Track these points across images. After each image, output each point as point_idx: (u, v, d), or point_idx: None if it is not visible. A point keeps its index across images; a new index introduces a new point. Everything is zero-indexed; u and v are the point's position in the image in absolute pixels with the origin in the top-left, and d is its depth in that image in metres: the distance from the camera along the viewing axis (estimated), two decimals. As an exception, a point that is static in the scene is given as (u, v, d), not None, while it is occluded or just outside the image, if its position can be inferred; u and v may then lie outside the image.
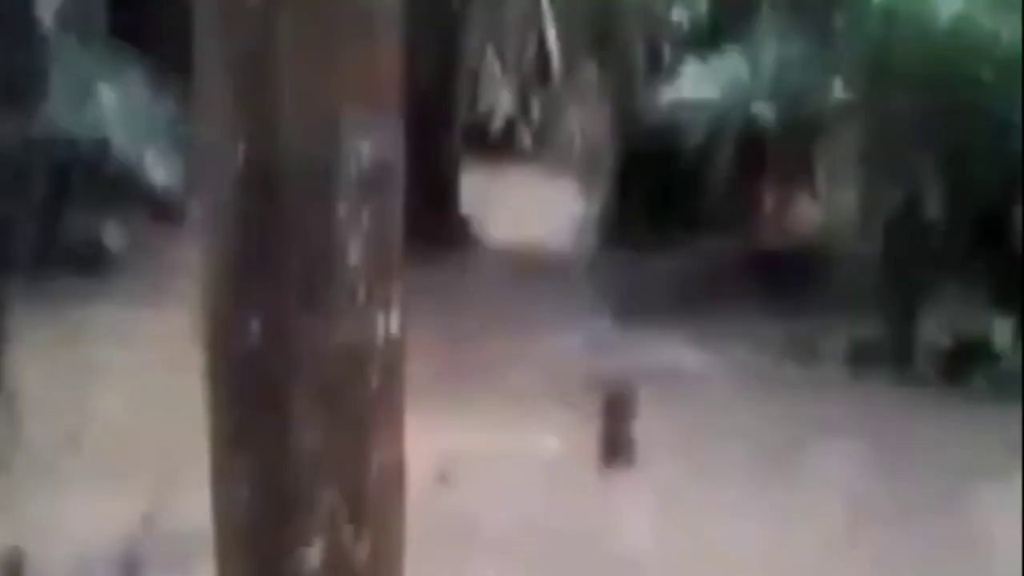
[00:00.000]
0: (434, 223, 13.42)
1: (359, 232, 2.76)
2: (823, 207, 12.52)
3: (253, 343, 2.74)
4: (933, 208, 9.78)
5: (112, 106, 11.56)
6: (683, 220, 12.97)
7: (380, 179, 2.81)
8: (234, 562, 2.82)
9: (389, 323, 2.81)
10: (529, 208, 14.66)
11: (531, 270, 13.11)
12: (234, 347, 2.79)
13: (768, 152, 12.54)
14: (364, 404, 2.78)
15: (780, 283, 11.50)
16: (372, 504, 2.80)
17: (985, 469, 8.03)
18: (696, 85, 10.69)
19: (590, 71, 14.24)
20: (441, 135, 14.04)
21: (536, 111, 16.22)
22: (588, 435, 8.18)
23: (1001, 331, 9.34)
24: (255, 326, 2.73)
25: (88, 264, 11.33)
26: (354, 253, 2.75)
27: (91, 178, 11.38)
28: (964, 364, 9.36)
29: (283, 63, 2.71)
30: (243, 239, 2.77)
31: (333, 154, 2.74)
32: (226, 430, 2.82)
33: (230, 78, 2.76)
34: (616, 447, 8.17)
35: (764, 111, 10.44)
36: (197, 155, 2.83)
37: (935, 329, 9.50)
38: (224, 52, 2.78)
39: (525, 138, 16.58)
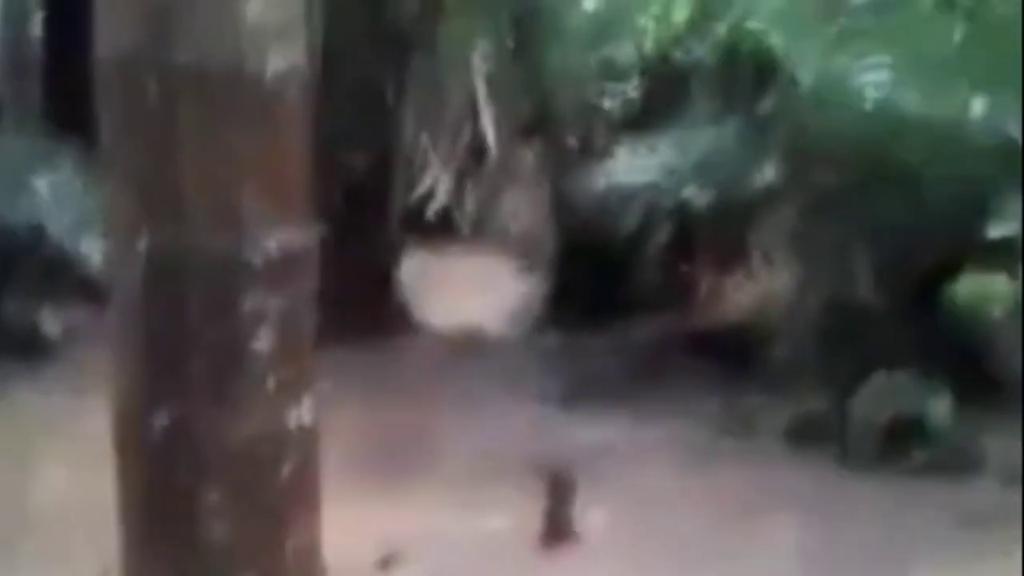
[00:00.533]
0: (371, 310, 13.43)
1: (268, 323, 2.74)
2: (758, 287, 12.61)
3: (160, 438, 2.72)
4: (866, 286, 9.89)
5: (46, 192, 11.54)
6: (621, 302, 13.02)
7: (289, 268, 2.79)
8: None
9: (301, 412, 2.80)
10: (467, 292, 14.66)
11: (470, 353, 13.07)
12: (141, 442, 2.76)
13: (702, 235, 12.66)
14: (277, 493, 2.76)
15: (718, 362, 11.58)
16: None
17: (929, 540, 8.14)
18: (629, 170, 10.80)
19: (525, 156, 14.34)
20: (377, 223, 14.06)
21: (472, 196, 16.29)
22: (530, 517, 8.16)
23: (936, 404, 9.41)
24: (162, 420, 2.72)
25: (25, 350, 11.25)
26: (263, 344, 2.74)
27: (26, 265, 11.33)
28: (900, 441, 9.40)
29: (184, 155, 2.71)
30: (148, 331, 2.75)
31: (237, 245, 2.72)
32: (136, 525, 2.78)
33: (134, 170, 2.76)
34: (559, 528, 8.16)
35: (696, 195, 10.55)
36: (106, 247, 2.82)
37: (871, 407, 9.55)
38: (127, 144, 2.77)
39: (462, 223, 16.62)
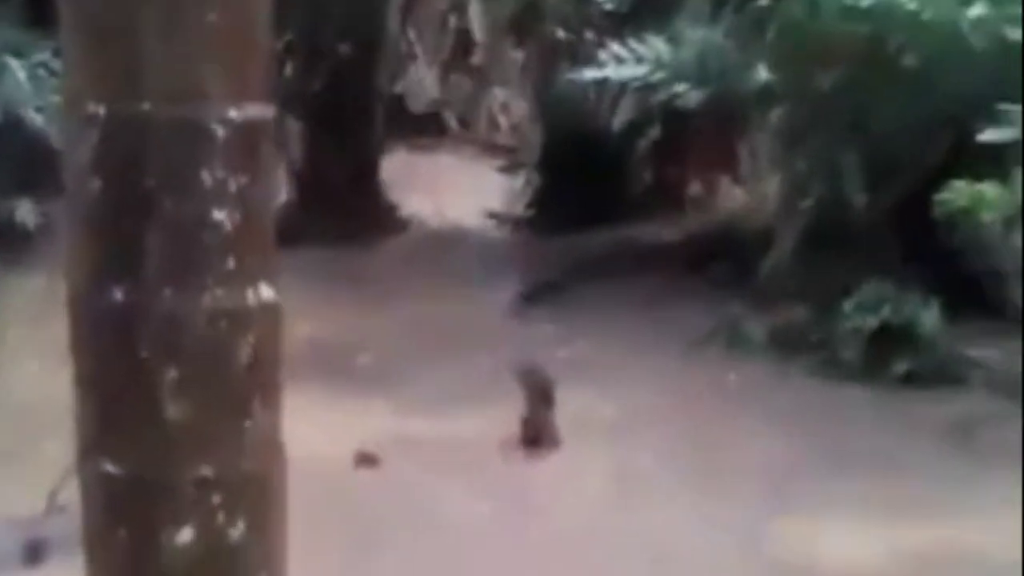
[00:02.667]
0: (358, 207, 13.34)
1: (228, 198, 2.65)
2: (748, 192, 12.49)
3: (116, 315, 2.63)
4: (857, 192, 9.74)
5: (23, 80, 11.36)
6: (608, 202, 12.90)
7: (250, 143, 2.69)
8: (103, 542, 2.70)
9: (261, 294, 2.69)
10: (451, 190, 14.58)
11: (454, 251, 13.00)
12: (96, 320, 2.67)
13: (693, 136, 12.51)
14: (236, 374, 2.67)
15: (704, 267, 11.50)
16: (247, 481, 2.69)
17: (913, 450, 8.07)
18: (618, 67, 10.59)
19: (513, 52, 14.17)
20: (363, 120, 13.92)
21: (458, 92, 16.12)
22: (511, 420, 8.06)
23: (926, 315, 9.32)
24: (118, 297, 2.62)
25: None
26: (223, 219, 2.64)
27: (3, 155, 11.17)
28: (888, 350, 9.30)
29: (144, 21, 2.60)
30: (104, 204, 2.65)
31: (197, 115, 2.63)
32: (93, 405, 2.70)
33: (91, 41, 2.65)
34: (539, 432, 8.07)
35: (688, 93, 10.36)
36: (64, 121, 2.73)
37: (858, 315, 9.45)
38: (84, 14, 2.67)
39: (450, 121, 16.46)
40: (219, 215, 2.61)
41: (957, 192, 8.45)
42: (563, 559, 6.64)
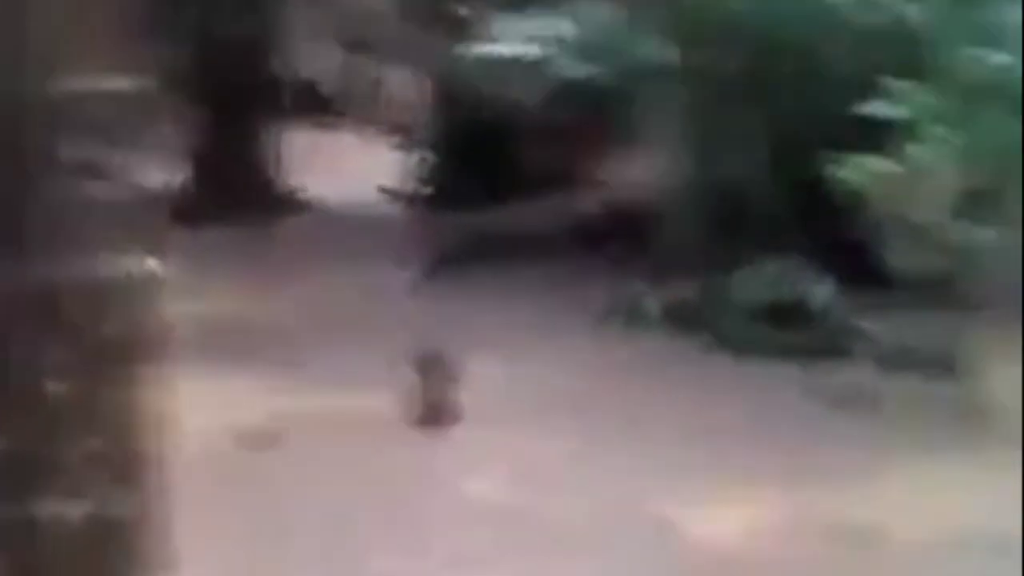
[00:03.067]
0: (254, 188, 13.25)
1: (104, 173, 2.62)
2: (648, 169, 12.52)
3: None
4: (753, 169, 9.82)
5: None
6: (503, 180, 12.89)
7: (125, 118, 2.66)
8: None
9: (142, 267, 2.66)
10: (352, 170, 14.52)
11: (351, 229, 12.94)
12: None
13: (591, 114, 12.51)
14: (118, 351, 2.64)
15: (602, 244, 11.54)
16: (130, 456, 2.66)
17: (803, 420, 8.23)
18: (512, 43, 10.58)
19: (408, 31, 14.08)
20: (260, 101, 13.83)
21: (355, 71, 16.00)
22: (411, 398, 8.10)
23: (817, 290, 9.44)
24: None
25: None
26: (101, 191, 2.61)
27: None
28: (781, 324, 9.40)
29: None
30: None
31: (69, 91, 2.60)
32: None
33: None
34: (439, 409, 8.07)
35: (585, 71, 10.37)
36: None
37: (753, 290, 9.55)
38: None
39: (347, 101, 16.34)
40: (96, 188, 2.58)
41: (850, 167, 8.57)
42: (456, 532, 6.71)
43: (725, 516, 6.92)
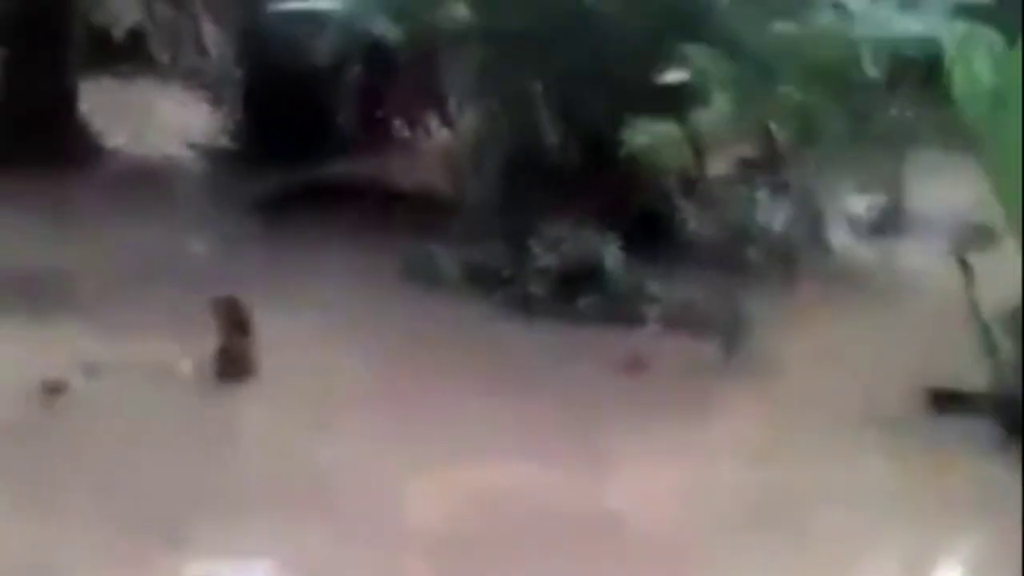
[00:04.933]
0: (50, 135, 13.02)
1: None
2: (449, 132, 12.65)
3: None
4: (547, 133, 9.97)
5: None
6: (312, 137, 12.88)
7: None
8: None
9: None
10: (156, 121, 14.37)
11: (156, 183, 12.84)
12: None
13: (396, 72, 12.59)
14: None
15: (404, 205, 11.63)
16: None
17: (596, 384, 8.39)
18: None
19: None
20: (57, 46, 13.58)
21: (163, 22, 15.78)
22: (204, 348, 8.09)
23: (609, 253, 9.64)
24: None
25: None
26: None
27: None
28: (574, 287, 9.59)
29: None
30: None
31: None
32: None
33: None
34: (235, 360, 8.11)
35: (387, 28, 10.43)
36: None
37: (546, 254, 9.74)
38: None
39: (152, 50, 16.11)
40: None
41: (639, 130, 8.76)
42: (249, 486, 6.74)
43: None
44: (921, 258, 10.73)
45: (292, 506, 6.46)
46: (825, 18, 9.90)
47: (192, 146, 13.73)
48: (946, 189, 11.10)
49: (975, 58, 7.79)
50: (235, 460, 7.17)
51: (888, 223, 11.12)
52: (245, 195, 12.11)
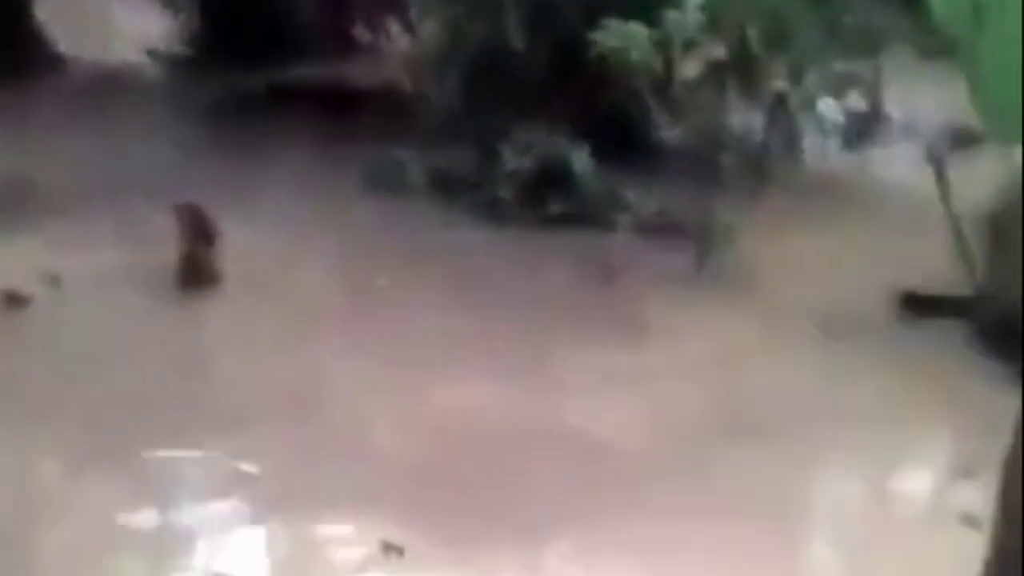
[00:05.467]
0: (6, 46, 12.77)
1: None
2: (414, 36, 12.44)
3: None
4: (514, 35, 9.79)
5: None
6: (271, 42, 12.66)
7: None
8: None
9: None
10: (113, 29, 14.11)
11: (114, 91, 12.61)
12: None
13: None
14: None
15: (367, 113, 11.44)
16: None
17: (571, 290, 8.32)
18: None
19: None
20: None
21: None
22: (169, 256, 7.97)
23: (578, 158, 9.51)
24: None
25: None
26: None
27: None
28: (544, 191, 9.46)
29: None
30: None
31: None
32: None
33: None
34: (195, 271, 7.98)
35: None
36: None
37: (514, 159, 9.59)
38: None
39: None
40: None
41: (608, 32, 8.61)
42: (214, 398, 6.66)
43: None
44: (898, 164, 10.63)
45: (254, 420, 6.38)
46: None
47: (150, 53, 13.49)
48: (925, 94, 10.97)
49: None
50: (198, 371, 7.06)
51: (865, 129, 11.00)
52: (204, 101, 11.93)
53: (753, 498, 5.94)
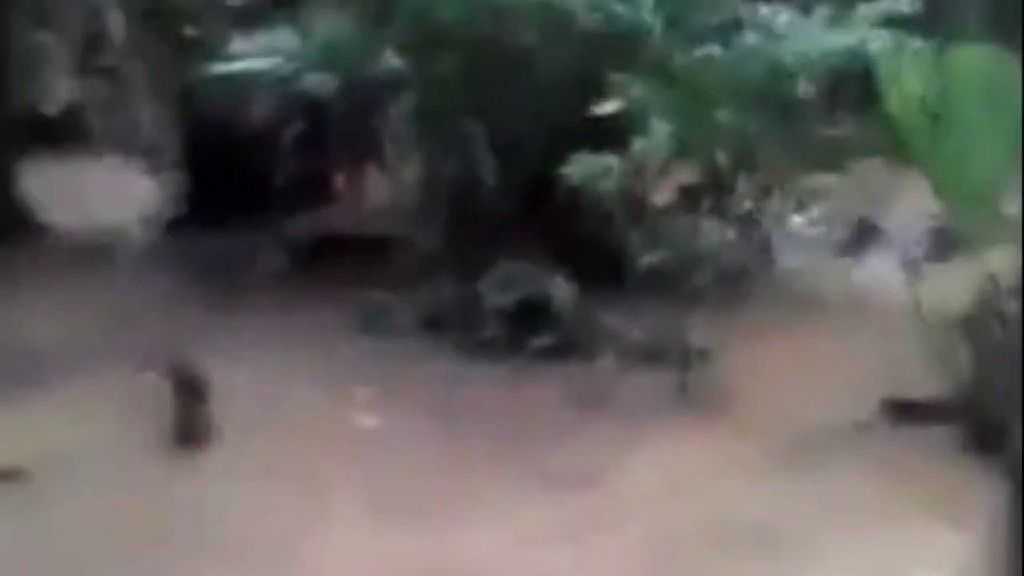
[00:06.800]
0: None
1: None
2: (392, 180, 12.62)
3: None
4: (487, 172, 9.96)
5: None
6: (256, 198, 12.81)
7: None
8: None
9: None
10: (97, 196, 14.26)
11: (102, 258, 12.73)
12: None
13: (333, 126, 12.55)
14: None
15: (354, 256, 11.55)
16: None
17: (555, 422, 8.39)
18: (247, 60, 10.58)
19: (148, 53, 13.97)
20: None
21: (98, 96, 15.75)
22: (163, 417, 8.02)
23: (558, 290, 9.62)
24: None
25: None
26: None
27: None
28: (527, 326, 9.56)
29: None
30: None
31: None
32: None
33: None
34: (191, 430, 8.02)
35: (320, 83, 10.44)
36: None
37: (496, 294, 9.71)
38: None
39: (89, 124, 16.06)
40: None
41: (578, 164, 8.77)
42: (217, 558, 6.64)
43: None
44: (878, 272, 10.68)
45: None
46: (751, 39, 9.97)
47: (134, 217, 13.63)
48: (903, 200, 11.13)
49: (904, 71, 7.82)
50: (199, 535, 7.00)
51: (847, 240, 11.14)
52: (192, 262, 12.04)
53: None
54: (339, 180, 13.69)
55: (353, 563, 6.62)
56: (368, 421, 8.45)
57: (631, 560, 6.60)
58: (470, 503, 7.20)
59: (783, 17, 10.18)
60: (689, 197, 9.50)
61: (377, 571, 6.57)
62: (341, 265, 11.49)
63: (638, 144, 9.02)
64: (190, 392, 8.13)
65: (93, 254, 12.89)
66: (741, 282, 9.92)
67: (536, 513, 7.11)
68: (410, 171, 11.11)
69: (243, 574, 6.50)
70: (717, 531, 6.81)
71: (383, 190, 12.79)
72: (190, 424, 8.05)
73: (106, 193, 14.25)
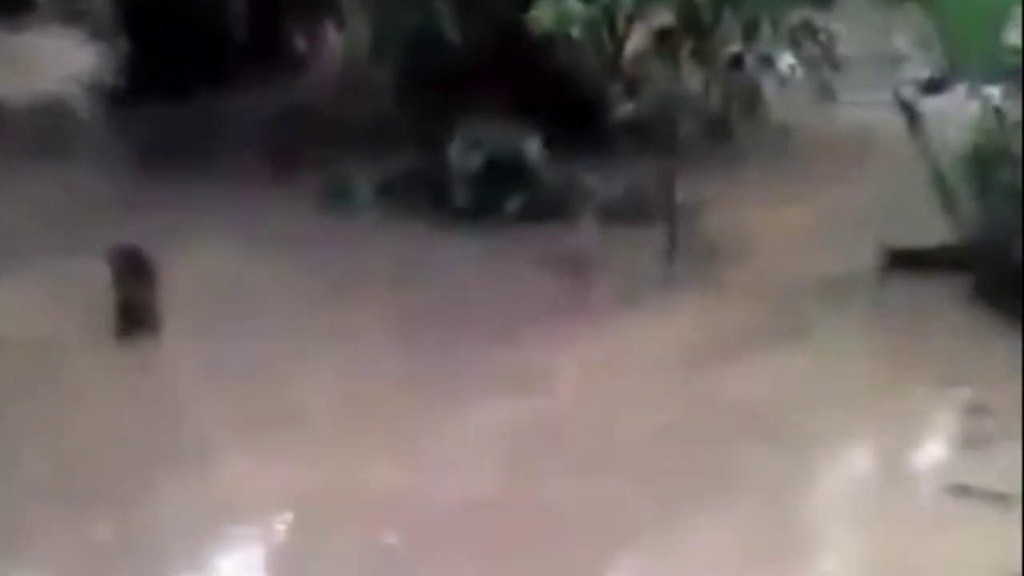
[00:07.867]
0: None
1: None
2: (347, 37, 12.06)
3: None
4: (449, 26, 9.39)
5: None
6: (203, 66, 12.23)
7: None
8: None
9: None
10: (39, 66, 13.67)
11: (42, 126, 12.12)
12: None
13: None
14: None
15: (315, 125, 10.99)
16: None
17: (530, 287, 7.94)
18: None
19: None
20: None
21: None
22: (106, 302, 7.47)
23: (531, 148, 9.09)
24: None
25: None
26: None
27: None
28: (499, 188, 9.04)
29: None
30: None
31: None
32: None
33: None
34: (137, 314, 7.46)
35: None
36: None
37: (464, 155, 9.14)
38: None
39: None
40: None
41: (544, 10, 8.29)
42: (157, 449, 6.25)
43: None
44: (867, 113, 10.21)
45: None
46: None
47: (81, 86, 13.07)
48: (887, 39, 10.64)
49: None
50: (140, 426, 6.54)
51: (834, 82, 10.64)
52: (141, 133, 11.51)
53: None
54: (296, 43, 13.13)
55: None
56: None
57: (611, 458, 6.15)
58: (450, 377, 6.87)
59: None
60: (667, 42, 8.96)
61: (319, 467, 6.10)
62: (304, 134, 10.92)
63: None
64: (133, 278, 7.58)
65: (33, 124, 12.33)
66: (726, 128, 9.50)
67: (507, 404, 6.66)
68: (363, 25, 10.50)
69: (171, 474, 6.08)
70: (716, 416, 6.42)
71: (338, 49, 12.26)
72: (133, 311, 7.50)
73: (49, 61, 13.65)
